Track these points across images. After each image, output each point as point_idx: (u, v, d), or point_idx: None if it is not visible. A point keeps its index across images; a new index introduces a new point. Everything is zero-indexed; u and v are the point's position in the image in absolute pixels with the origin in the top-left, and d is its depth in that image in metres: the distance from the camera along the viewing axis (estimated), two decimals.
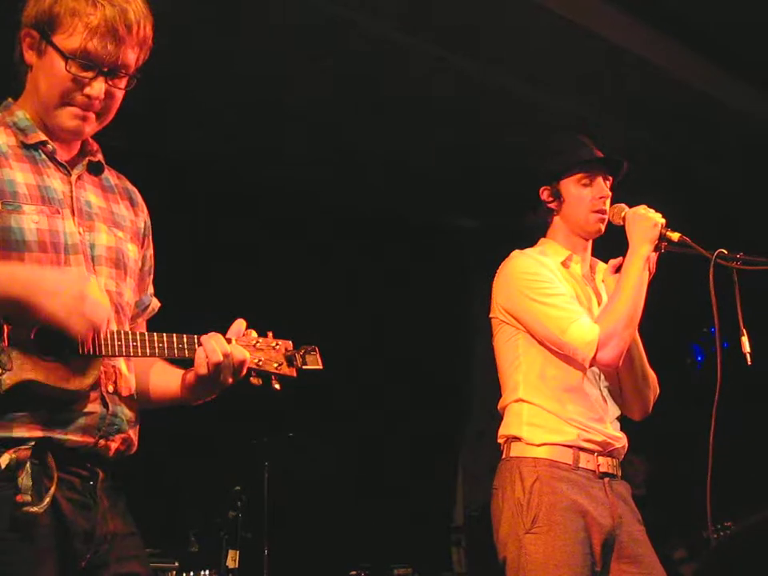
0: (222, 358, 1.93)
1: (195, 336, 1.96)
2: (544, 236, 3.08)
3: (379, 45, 4.83)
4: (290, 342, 2.07)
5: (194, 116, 5.40)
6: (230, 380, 1.98)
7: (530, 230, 3.10)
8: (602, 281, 3.07)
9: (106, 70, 1.93)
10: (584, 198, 2.97)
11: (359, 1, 4.52)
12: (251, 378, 2.01)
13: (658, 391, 3.04)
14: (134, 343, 1.90)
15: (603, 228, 3.00)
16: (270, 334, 2.07)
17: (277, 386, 2.03)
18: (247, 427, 5.29)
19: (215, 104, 5.28)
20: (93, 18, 1.89)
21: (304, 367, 2.05)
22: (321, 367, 2.06)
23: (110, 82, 1.95)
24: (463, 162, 6.07)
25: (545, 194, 3.01)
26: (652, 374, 3.03)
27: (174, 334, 1.95)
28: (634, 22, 4.99)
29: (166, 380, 2.10)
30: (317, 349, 2.08)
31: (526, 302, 2.86)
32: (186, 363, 2.03)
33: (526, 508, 2.72)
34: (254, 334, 2.04)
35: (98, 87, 1.94)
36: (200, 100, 5.21)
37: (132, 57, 1.96)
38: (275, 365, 2.03)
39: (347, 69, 5.02)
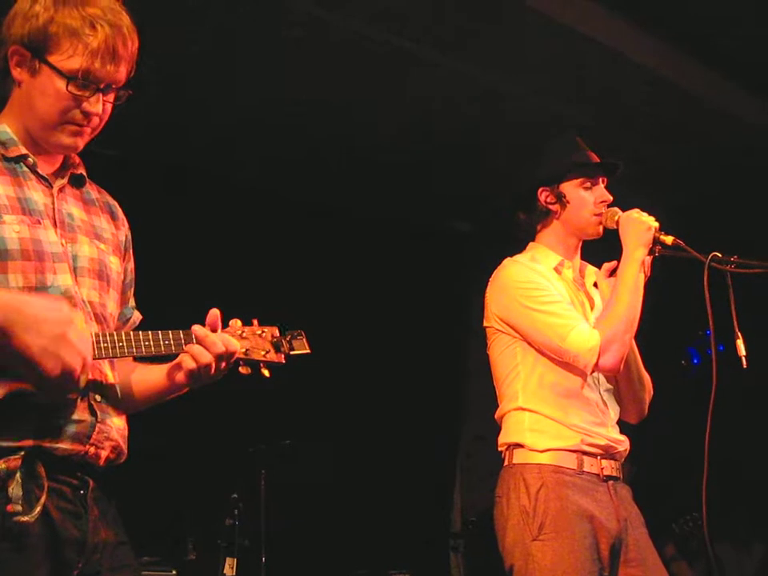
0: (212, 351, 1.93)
1: (180, 331, 1.95)
2: (533, 240, 3.07)
3: (379, 48, 4.84)
4: (276, 327, 2.06)
5: (190, 118, 5.40)
6: (221, 368, 1.96)
7: (519, 232, 3.09)
8: (594, 284, 3.07)
9: (102, 86, 1.96)
10: (586, 201, 2.97)
11: (360, 5, 4.53)
12: (240, 368, 2.00)
13: (652, 393, 3.04)
14: (120, 344, 1.88)
15: (602, 231, 3.00)
16: (255, 322, 2.05)
17: (266, 373, 2.01)
18: (244, 435, 5.28)
19: (213, 106, 5.29)
20: (93, 39, 1.90)
21: (292, 353, 2.04)
22: (308, 351, 2.05)
23: (104, 98, 1.98)
24: (461, 165, 6.07)
25: (543, 196, 2.99)
26: (647, 377, 3.04)
27: (159, 331, 1.93)
28: (631, 27, 5.00)
29: (150, 376, 2.09)
30: (303, 333, 2.06)
31: (523, 310, 2.85)
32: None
33: (532, 515, 2.71)
34: (238, 323, 2.03)
35: (96, 104, 1.96)
36: (195, 102, 5.22)
37: (124, 72, 1.99)
38: (263, 352, 2.01)
39: (346, 70, 5.02)
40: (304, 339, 2.06)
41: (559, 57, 5.01)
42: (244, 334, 2.01)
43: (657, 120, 5.65)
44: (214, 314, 2.00)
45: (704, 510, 2.56)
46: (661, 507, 5.99)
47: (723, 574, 6.27)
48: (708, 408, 2.59)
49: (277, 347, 2.03)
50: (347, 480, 6.07)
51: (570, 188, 2.98)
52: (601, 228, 2.99)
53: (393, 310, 6.48)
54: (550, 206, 2.99)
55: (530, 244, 3.07)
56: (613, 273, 2.96)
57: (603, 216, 2.96)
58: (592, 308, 3.00)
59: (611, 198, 2.99)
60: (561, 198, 2.97)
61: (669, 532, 5.98)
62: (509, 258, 3.01)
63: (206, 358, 1.93)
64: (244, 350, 2.00)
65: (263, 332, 2.03)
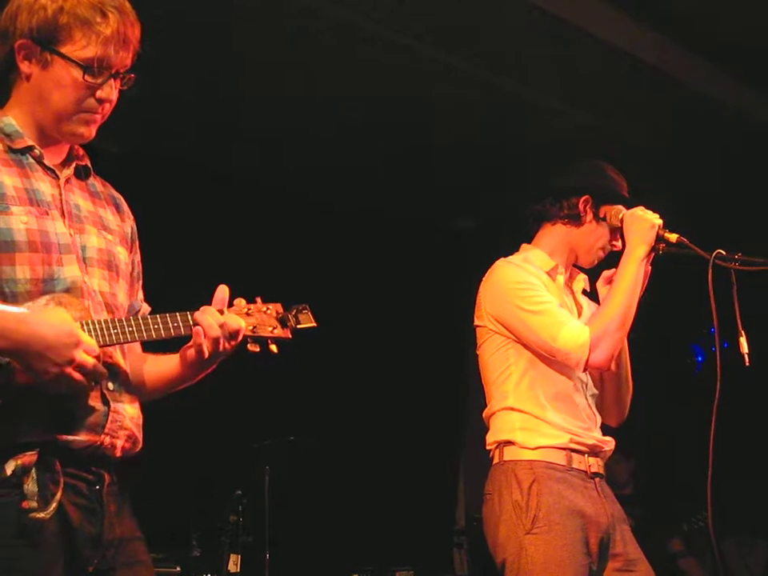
0: (219, 332, 1.93)
1: (188, 312, 1.95)
2: (530, 240, 3.08)
3: (380, 46, 4.85)
4: (280, 304, 2.06)
5: (193, 116, 5.42)
6: (228, 348, 1.97)
7: (528, 219, 3.10)
8: (582, 291, 3.09)
9: (114, 72, 1.97)
10: (607, 234, 3.00)
11: (362, 4, 4.53)
12: (248, 346, 2.00)
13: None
14: (130, 329, 1.88)
15: (595, 264, 3.06)
16: (259, 300, 2.05)
17: (274, 349, 2.01)
18: (248, 431, 5.29)
19: (216, 105, 5.30)
20: (105, 26, 1.92)
21: (298, 326, 2.04)
22: (314, 324, 2.05)
23: (114, 83, 1.99)
24: (465, 162, 6.08)
25: (583, 203, 2.99)
26: (631, 380, 3.07)
27: (167, 314, 1.94)
28: (631, 24, 5.00)
29: (161, 366, 2.11)
30: (308, 307, 2.07)
31: (516, 311, 2.86)
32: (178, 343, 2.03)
33: (525, 509, 2.73)
34: (243, 301, 2.04)
35: (110, 91, 1.98)
36: (196, 99, 5.23)
37: (131, 56, 2.00)
38: (269, 329, 2.01)
39: (347, 70, 5.03)
40: (309, 313, 2.06)
41: (561, 54, 5.01)
42: (249, 312, 2.02)
43: (659, 116, 5.66)
44: (222, 290, 2.01)
45: (709, 507, 2.57)
46: (668, 505, 6.01)
47: (728, 572, 6.28)
48: (712, 405, 2.59)
49: (283, 323, 2.03)
50: (351, 477, 6.08)
51: (606, 213, 2.99)
52: (596, 263, 3.04)
53: (397, 306, 6.48)
54: (583, 215, 2.99)
55: (523, 246, 3.08)
56: (611, 280, 2.98)
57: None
58: (579, 315, 3.02)
59: (620, 247, 2.99)
60: (597, 215, 2.99)
61: (676, 528, 6.01)
62: (502, 259, 3.01)
63: (214, 332, 1.93)
64: (251, 327, 2.00)
65: (268, 309, 2.04)
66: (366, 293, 6.37)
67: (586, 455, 2.85)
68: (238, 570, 4.88)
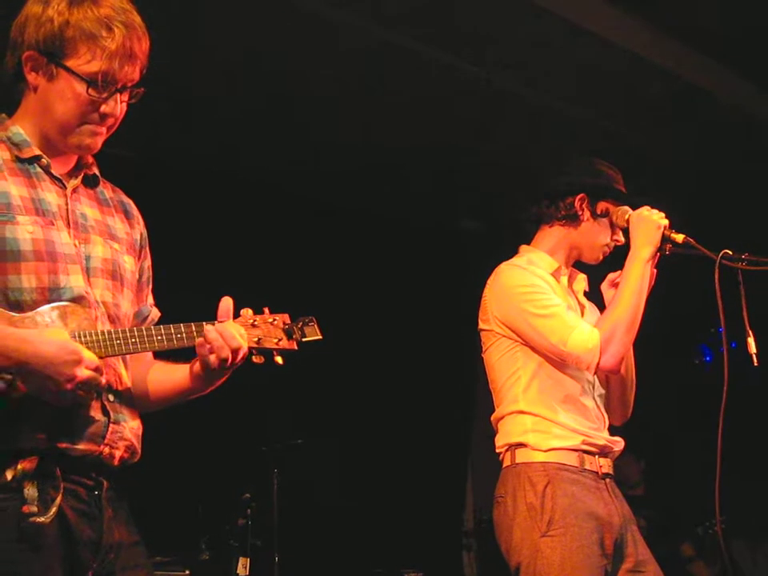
0: (228, 351, 1.93)
1: (192, 324, 1.95)
2: (529, 243, 3.06)
3: (383, 47, 4.85)
4: (287, 315, 2.05)
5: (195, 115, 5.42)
6: (236, 362, 1.96)
7: (526, 221, 3.09)
8: (585, 291, 3.08)
9: (119, 87, 1.98)
10: (609, 231, 2.99)
11: (366, 4, 4.53)
12: (253, 358, 2.00)
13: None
14: (133, 339, 1.89)
15: (600, 261, 3.03)
16: (266, 310, 2.05)
17: (279, 361, 2.01)
18: (256, 434, 5.30)
19: (216, 103, 5.31)
20: (110, 41, 1.92)
21: (304, 339, 2.03)
22: (320, 337, 2.05)
23: (120, 97, 2.00)
24: (465, 163, 6.07)
25: (580, 202, 2.97)
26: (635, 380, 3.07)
27: (171, 325, 1.94)
28: (631, 21, 5.00)
29: (167, 377, 2.10)
30: (314, 319, 2.06)
31: (524, 315, 2.84)
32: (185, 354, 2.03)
33: (540, 511, 2.72)
34: (249, 312, 2.03)
35: (114, 105, 1.98)
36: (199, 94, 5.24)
37: (139, 71, 2.01)
38: (275, 340, 2.01)
39: (350, 70, 5.03)
40: (315, 326, 2.05)
41: (564, 55, 5.01)
42: (255, 323, 2.01)
43: (666, 117, 5.65)
44: (227, 302, 2.01)
45: (717, 508, 2.56)
46: (679, 506, 5.99)
47: (738, 573, 6.27)
48: (720, 405, 2.58)
49: (289, 334, 2.02)
50: (360, 479, 6.07)
51: (603, 209, 2.98)
52: (601, 260, 3.02)
53: (403, 309, 6.47)
54: (580, 213, 2.98)
55: (523, 247, 3.07)
56: (617, 284, 2.96)
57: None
58: (582, 315, 3.01)
59: (623, 241, 2.98)
60: (594, 213, 2.97)
61: (690, 533, 6.00)
62: (506, 263, 2.99)
63: (237, 343, 1.94)
64: (256, 339, 1.99)
65: (274, 320, 2.03)
66: (373, 296, 6.36)
67: (597, 456, 2.84)
68: (247, 573, 4.87)
